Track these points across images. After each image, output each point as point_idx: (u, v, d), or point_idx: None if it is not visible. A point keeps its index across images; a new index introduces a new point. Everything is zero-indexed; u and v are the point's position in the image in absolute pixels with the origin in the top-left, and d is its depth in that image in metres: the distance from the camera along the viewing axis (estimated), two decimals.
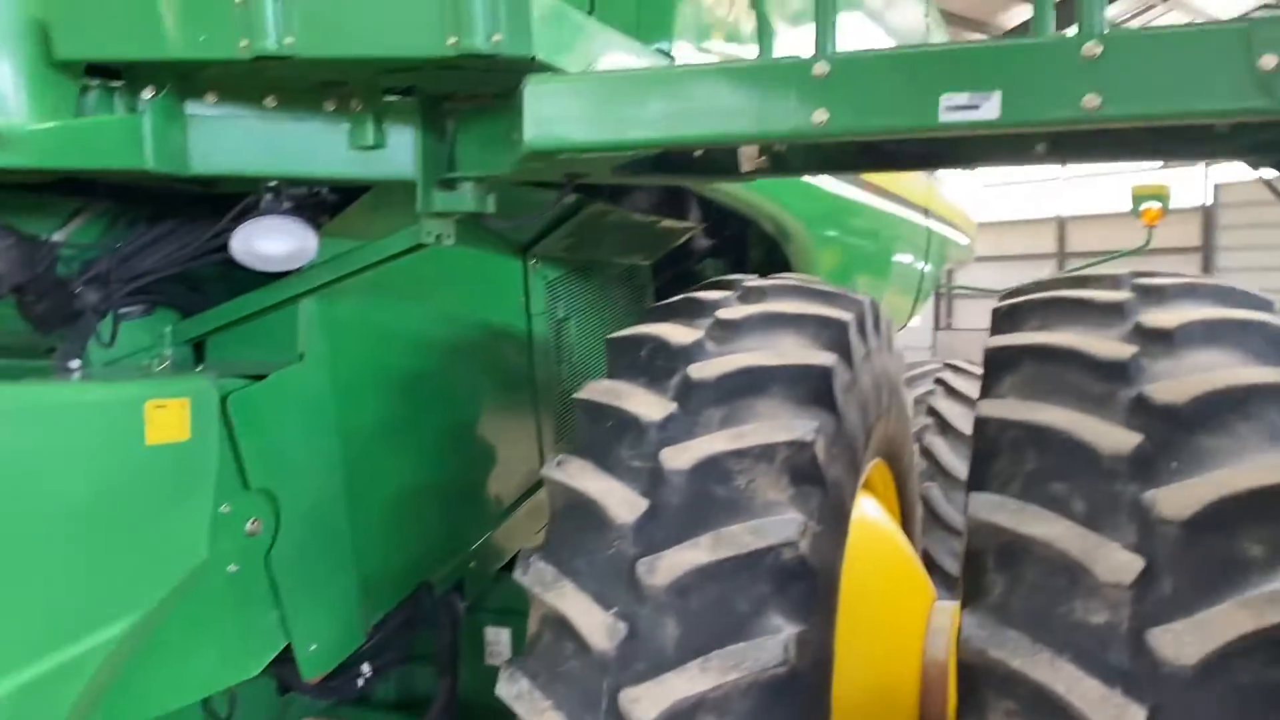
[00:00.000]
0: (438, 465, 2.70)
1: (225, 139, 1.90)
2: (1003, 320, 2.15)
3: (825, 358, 2.08)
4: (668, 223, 3.26)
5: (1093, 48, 1.28)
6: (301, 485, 2.26)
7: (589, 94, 1.58)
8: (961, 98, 1.33)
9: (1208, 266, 34.81)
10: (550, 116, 1.58)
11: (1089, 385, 1.84)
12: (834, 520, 2.01)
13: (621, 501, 1.89)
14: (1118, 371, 1.82)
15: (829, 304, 2.31)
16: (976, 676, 1.68)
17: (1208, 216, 34.70)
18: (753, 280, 2.43)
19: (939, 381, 4.51)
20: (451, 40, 1.55)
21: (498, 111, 1.75)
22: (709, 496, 1.89)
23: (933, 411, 4.39)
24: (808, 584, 1.86)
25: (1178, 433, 1.71)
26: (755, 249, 3.57)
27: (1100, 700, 1.52)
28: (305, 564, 2.27)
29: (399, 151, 1.88)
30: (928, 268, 4.80)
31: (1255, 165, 1.78)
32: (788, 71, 1.45)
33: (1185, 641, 1.51)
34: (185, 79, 1.86)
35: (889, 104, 1.39)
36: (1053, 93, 1.31)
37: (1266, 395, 1.74)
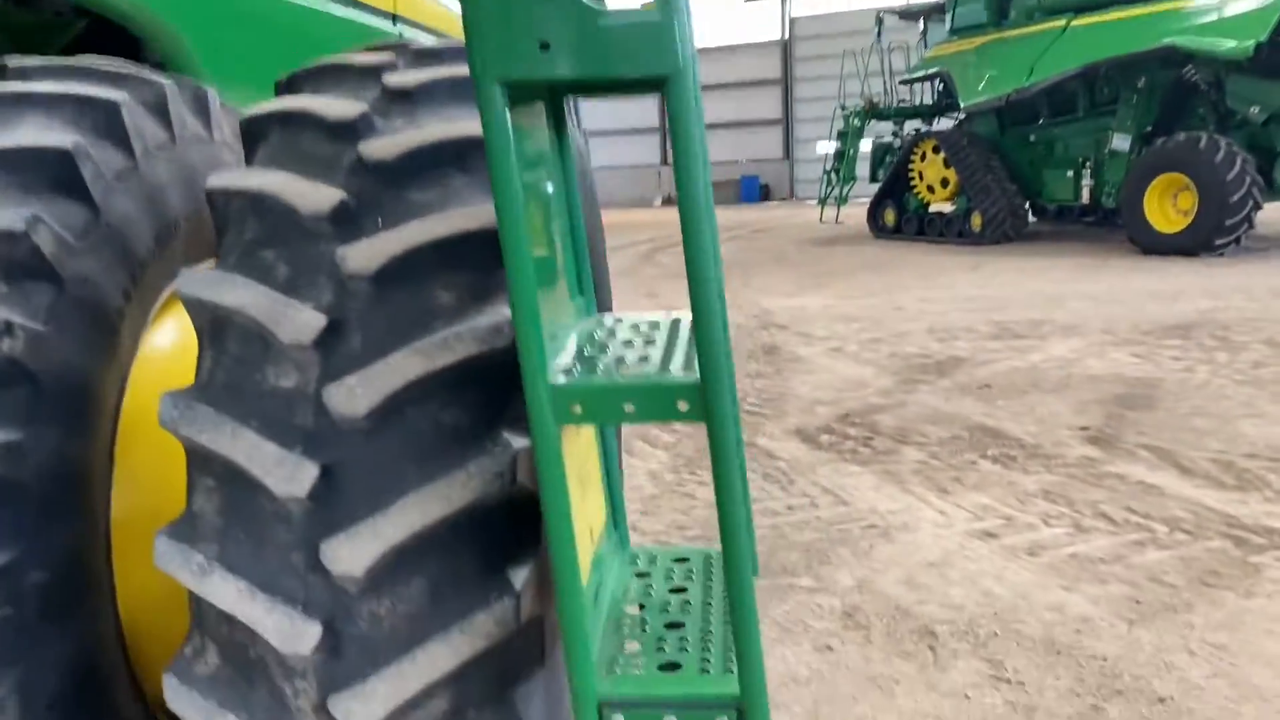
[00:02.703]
0: None
1: None
2: (282, 90, 2.00)
3: (65, 139, 1.83)
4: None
5: None
6: None
7: None
8: None
9: (788, 97, 37.77)
10: None
11: (319, 148, 1.74)
12: (85, 321, 1.81)
13: None
14: (347, 132, 1.73)
15: (107, 85, 2.05)
16: (186, 458, 1.59)
17: (786, 50, 37.33)
18: (21, 60, 2.11)
19: None
20: None
21: None
22: None
23: None
24: (24, 390, 1.67)
25: (388, 189, 1.66)
26: None
27: (277, 463, 1.47)
28: None
29: None
30: None
31: None
32: None
33: (357, 394, 1.48)
34: None
35: None
36: None
37: None
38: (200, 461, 1.57)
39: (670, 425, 6.46)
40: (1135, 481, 5.09)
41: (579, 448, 1.54)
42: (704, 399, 1.21)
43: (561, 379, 1.27)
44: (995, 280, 13.28)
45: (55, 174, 1.82)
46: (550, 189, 1.64)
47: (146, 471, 1.96)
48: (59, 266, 1.75)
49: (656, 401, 1.24)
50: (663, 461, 5.77)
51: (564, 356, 1.39)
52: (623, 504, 1.79)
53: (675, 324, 1.57)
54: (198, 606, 1.57)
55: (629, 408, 1.24)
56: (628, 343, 1.48)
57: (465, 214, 1.62)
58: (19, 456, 1.64)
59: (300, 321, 1.53)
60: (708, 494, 5.23)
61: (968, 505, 4.89)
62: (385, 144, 1.68)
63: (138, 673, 1.93)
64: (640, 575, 1.71)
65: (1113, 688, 3.22)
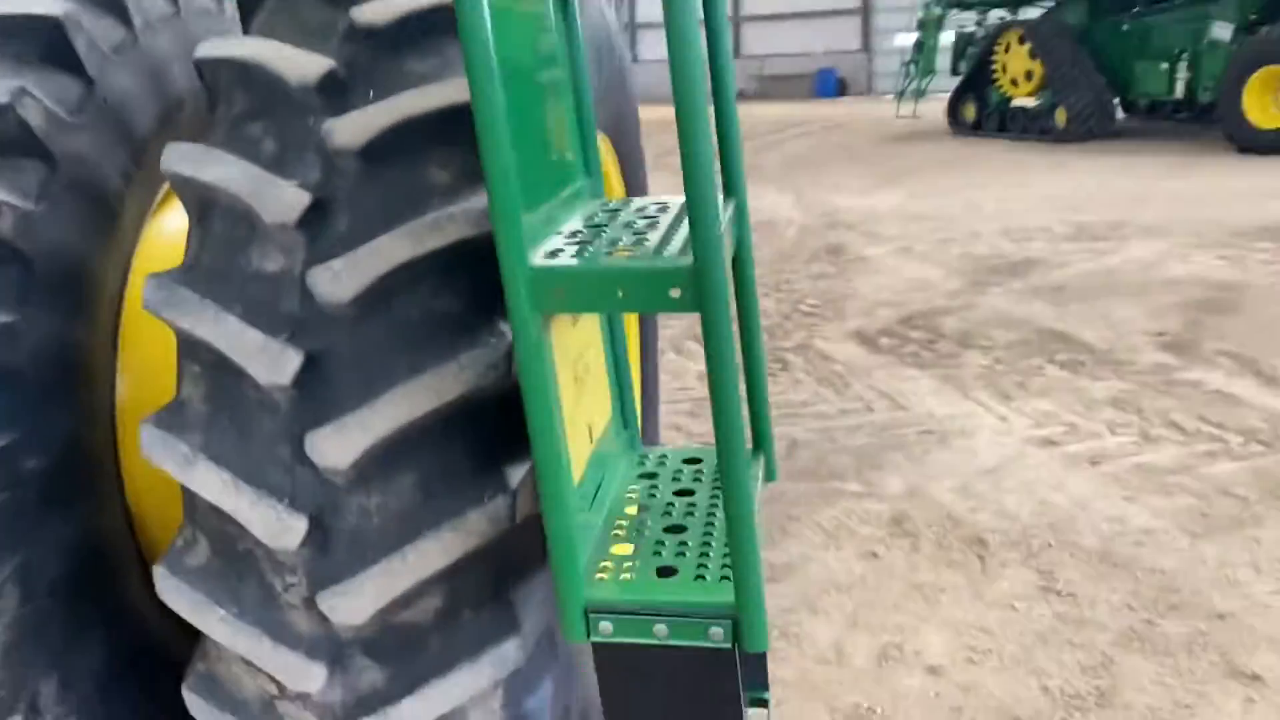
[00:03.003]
0: None
1: None
2: None
3: (56, 7, 1.74)
4: None
5: None
6: None
7: None
8: None
9: (867, 26, 36.17)
10: None
11: (313, 14, 1.62)
12: (81, 202, 1.75)
13: None
14: None
15: None
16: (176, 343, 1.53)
17: None
18: None
19: None
20: None
21: None
22: None
23: None
24: (15, 271, 1.61)
25: (380, 57, 1.53)
26: None
27: (260, 350, 1.39)
28: None
29: None
30: None
31: None
32: None
33: (342, 278, 1.39)
34: None
35: None
36: None
37: None
38: (186, 347, 1.51)
39: None
40: (1211, 390, 4.85)
41: (575, 339, 1.43)
42: (697, 286, 1.09)
43: (544, 262, 1.16)
44: (1077, 179, 12.70)
45: (46, 45, 1.74)
46: (547, 62, 1.50)
47: (152, 359, 1.91)
48: (50, 143, 1.68)
49: (646, 288, 1.12)
50: None
51: (555, 239, 1.27)
52: (633, 401, 1.68)
53: (685, 208, 1.44)
54: (189, 497, 1.53)
55: (617, 294, 1.13)
56: (628, 225, 1.35)
57: (463, 85, 1.49)
58: (12, 339, 1.59)
59: (284, 200, 1.43)
60: None
61: (1030, 412, 4.71)
62: (378, 8, 1.55)
63: (148, 561, 1.91)
64: (646, 476, 1.61)
65: (1169, 602, 3.09)
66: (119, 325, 1.87)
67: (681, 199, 1.53)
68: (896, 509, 3.78)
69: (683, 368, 5.55)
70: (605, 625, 1.24)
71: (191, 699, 1.58)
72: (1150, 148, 15.38)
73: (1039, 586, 3.21)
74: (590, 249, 1.21)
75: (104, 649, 1.79)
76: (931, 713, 2.64)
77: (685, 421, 4.71)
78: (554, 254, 1.19)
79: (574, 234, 1.31)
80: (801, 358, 5.70)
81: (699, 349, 5.92)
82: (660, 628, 1.22)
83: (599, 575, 1.32)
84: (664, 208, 1.45)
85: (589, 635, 1.25)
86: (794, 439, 4.50)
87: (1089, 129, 16.76)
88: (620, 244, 1.23)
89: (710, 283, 1.08)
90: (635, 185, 2.59)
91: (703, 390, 5.21)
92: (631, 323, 2.87)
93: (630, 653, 1.24)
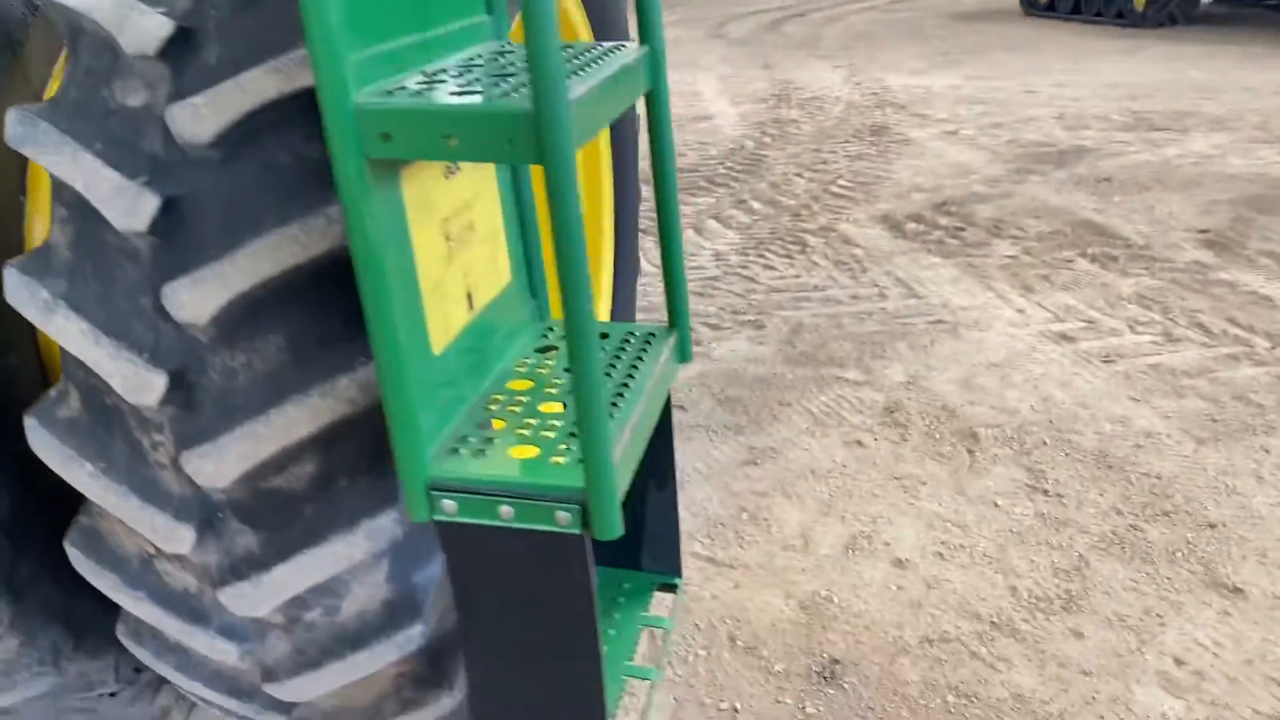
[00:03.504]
0: None
1: None
2: None
3: None
4: None
5: None
6: None
7: None
8: None
9: None
10: None
11: None
12: None
13: None
14: None
15: None
16: None
17: None
18: None
19: None
20: None
21: None
22: None
23: None
24: None
25: None
26: None
27: (115, 192, 1.30)
28: None
29: None
30: None
31: None
32: None
33: (203, 115, 1.28)
34: None
35: None
36: None
37: None
38: (54, 187, 1.41)
39: (749, 206, 6.12)
40: (1246, 291, 4.60)
41: (449, 194, 1.31)
42: (537, 135, 0.96)
43: (368, 100, 1.03)
44: (1147, 67, 12.01)
45: None
46: None
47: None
48: None
49: (480, 134, 0.99)
50: (732, 243, 5.48)
51: (410, 78, 1.14)
52: (542, 269, 1.57)
53: (590, 53, 1.29)
54: (61, 347, 1.46)
55: (450, 140, 1.00)
56: (505, 68, 1.21)
57: None
58: None
59: (145, 29, 1.31)
60: (770, 277, 4.97)
61: (1050, 305, 4.51)
62: None
63: None
64: (544, 350, 1.51)
65: (1160, 508, 2.96)
66: (25, 169, 1.78)
67: (605, 46, 1.38)
68: (891, 398, 3.66)
69: (698, 246, 5.39)
70: (448, 504, 1.16)
71: (73, 554, 1.55)
72: (1232, 36, 14.47)
73: (1025, 484, 3.10)
74: (442, 90, 1.08)
75: (12, 494, 1.76)
76: (890, 605, 2.58)
77: (690, 302, 4.58)
78: (392, 93, 1.06)
79: (438, 73, 1.18)
80: (822, 240, 5.50)
81: (720, 229, 5.74)
82: (506, 509, 1.14)
83: (453, 451, 1.23)
84: (575, 55, 1.30)
85: (431, 514, 1.18)
86: (800, 323, 4.37)
87: (1170, 14, 15.78)
88: (483, 88, 1.09)
89: (551, 131, 0.95)
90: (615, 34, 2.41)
91: (715, 270, 5.07)
92: (606, 190, 2.73)
93: (477, 534, 1.16)
